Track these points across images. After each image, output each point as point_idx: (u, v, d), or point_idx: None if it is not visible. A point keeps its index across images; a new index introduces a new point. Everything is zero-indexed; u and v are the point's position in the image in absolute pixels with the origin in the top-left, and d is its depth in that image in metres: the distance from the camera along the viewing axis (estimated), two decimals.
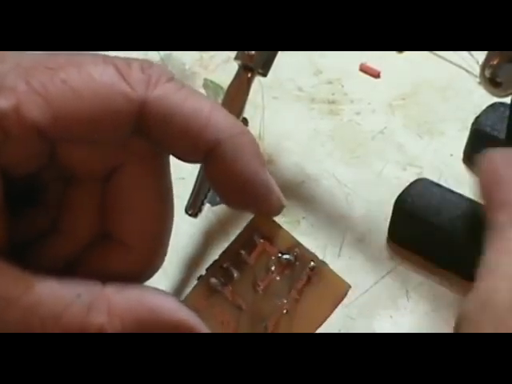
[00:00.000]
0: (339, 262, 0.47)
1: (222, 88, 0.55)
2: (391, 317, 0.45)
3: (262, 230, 0.33)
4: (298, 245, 0.33)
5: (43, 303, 0.29)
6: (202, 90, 0.57)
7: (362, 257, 0.47)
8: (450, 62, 0.60)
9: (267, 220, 0.33)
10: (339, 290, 0.33)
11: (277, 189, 0.33)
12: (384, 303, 0.45)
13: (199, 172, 0.45)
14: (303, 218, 0.49)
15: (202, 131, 0.31)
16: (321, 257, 0.47)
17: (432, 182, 0.48)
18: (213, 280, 0.32)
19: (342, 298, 0.33)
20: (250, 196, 0.32)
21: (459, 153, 0.53)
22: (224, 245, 0.33)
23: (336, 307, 0.32)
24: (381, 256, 0.48)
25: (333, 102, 0.57)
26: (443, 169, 0.53)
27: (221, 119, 0.32)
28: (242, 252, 0.32)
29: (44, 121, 0.29)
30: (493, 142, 0.51)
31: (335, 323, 0.44)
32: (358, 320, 0.44)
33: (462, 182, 0.52)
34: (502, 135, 0.49)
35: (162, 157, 0.33)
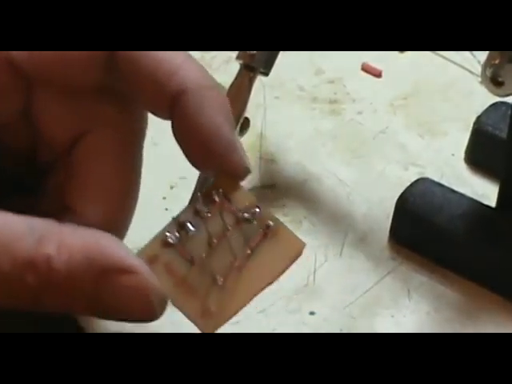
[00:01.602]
0: (340, 261, 0.47)
1: (223, 88, 0.55)
2: (393, 316, 0.45)
3: (223, 189, 0.32)
4: (258, 205, 0.32)
5: None
6: None
7: (363, 256, 0.47)
8: (452, 62, 0.60)
9: (229, 180, 0.32)
10: (293, 249, 0.32)
11: (241, 149, 0.32)
12: (385, 303, 0.45)
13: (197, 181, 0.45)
14: (305, 217, 0.49)
15: (170, 77, 0.31)
16: (322, 256, 0.48)
17: (434, 182, 0.48)
18: (168, 234, 0.32)
19: (296, 257, 0.33)
20: (212, 152, 0.32)
21: (461, 152, 0.53)
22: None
23: (288, 266, 0.32)
24: (382, 255, 0.48)
25: (334, 102, 0.57)
26: (445, 168, 0.53)
27: (192, 70, 0.32)
28: (201, 209, 0.32)
29: (19, 55, 0.29)
30: (494, 141, 0.51)
31: (336, 323, 0.44)
32: (359, 320, 0.44)
33: (464, 182, 0.52)
34: (504, 135, 0.49)
35: (130, 125, 0.33)
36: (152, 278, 0.30)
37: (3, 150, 0.34)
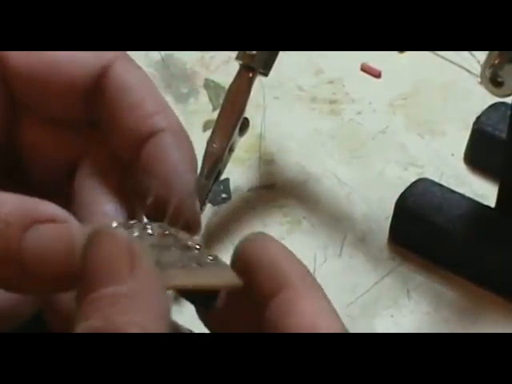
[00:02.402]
0: (340, 261, 0.47)
1: (223, 88, 0.55)
2: (392, 316, 0.45)
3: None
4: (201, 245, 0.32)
5: None
6: (203, 90, 0.57)
7: (362, 256, 0.48)
8: (451, 62, 0.60)
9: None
10: (228, 281, 0.32)
11: (194, 206, 0.32)
12: (385, 303, 0.45)
13: (201, 170, 0.45)
14: (304, 217, 0.49)
15: (144, 121, 0.31)
16: (322, 256, 0.48)
17: (433, 182, 0.48)
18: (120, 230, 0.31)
19: (228, 288, 0.32)
20: (166, 202, 0.31)
21: (460, 153, 0.53)
22: (225, 244, 0.33)
23: (218, 287, 0.31)
24: (382, 256, 0.48)
25: (334, 102, 0.57)
26: (444, 169, 0.53)
27: (167, 116, 0.32)
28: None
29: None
30: (494, 141, 0.51)
31: None
32: (358, 320, 0.44)
33: (463, 182, 0.52)
34: (503, 135, 0.49)
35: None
36: (80, 229, 0.30)
37: None
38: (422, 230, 0.47)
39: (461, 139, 0.53)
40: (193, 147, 0.32)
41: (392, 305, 0.45)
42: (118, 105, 0.32)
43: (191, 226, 0.32)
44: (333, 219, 0.50)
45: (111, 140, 0.33)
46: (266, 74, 0.48)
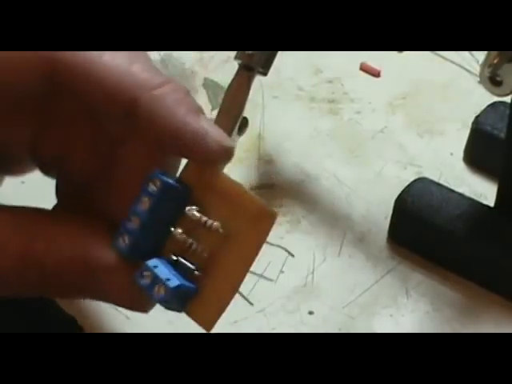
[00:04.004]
0: (339, 261, 0.47)
1: (222, 87, 0.55)
2: (391, 316, 0.45)
3: (204, 179, 0.31)
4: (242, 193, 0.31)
5: None
6: (202, 90, 0.57)
7: (362, 256, 0.47)
8: (451, 62, 0.60)
9: (208, 168, 0.31)
10: (266, 221, 0.31)
11: (216, 132, 0.31)
12: (384, 302, 0.45)
13: None
14: (303, 217, 0.49)
15: (117, 90, 0.31)
16: (321, 256, 0.48)
17: (432, 182, 0.48)
18: None
19: (270, 228, 0.31)
20: (183, 147, 0.31)
21: (459, 152, 0.53)
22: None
23: (264, 239, 0.31)
24: (381, 255, 0.48)
25: (333, 102, 0.57)
26: (443, 168, 0.53)
27: (137, 74, 0.31)
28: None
29: None
30: (493, 141, 0.51)
31: (335, 322, 0.44)
32: (358, 319, 0.44)
33: (463, 181, 0.52)
34: (503, 134, 0.49)
35: None
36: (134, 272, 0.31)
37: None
38: (422, 229, 0.47)
39: (460, 139, 0.53)
40: (176, 87, 0.32)
41: (391, 304, 0.45)
42: (85, 80, 0.31)
43: (215, 155, 0.31)
44: (332, 219, 0.49)
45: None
46: (265, 74, 0.48)
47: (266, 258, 0.47)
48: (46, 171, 0.35)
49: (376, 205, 0.50)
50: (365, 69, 0.59)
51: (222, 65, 0.57)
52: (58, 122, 0.32)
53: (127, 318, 0.43)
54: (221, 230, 0.30)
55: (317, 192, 0.51)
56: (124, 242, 0.31)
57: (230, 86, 0.47)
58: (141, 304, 0.32)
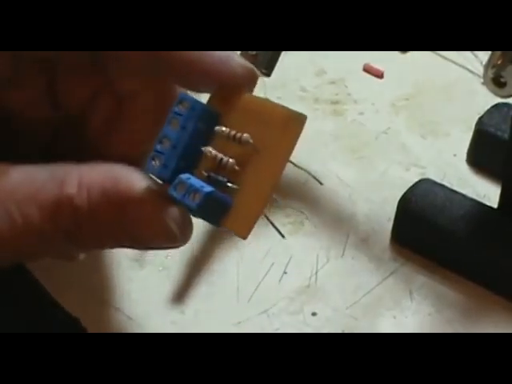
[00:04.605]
0: (342, 262, 0.47)
1: None
2: (395, 317, 0.45)
3: (230, 101, 0.32)
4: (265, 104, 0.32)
5: (19, 186, 0.30)
6: None
7: (365, 257, 0.47)
8: (454, 63, 0.60)
9: (235, 89, 0.32)
10: (296, 124, 0.32)
11: (238, 57, 0.32)
12: (387, 304, 0.45)
13: None
14: (306, 218, 0.49)
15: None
16: (324, 257, 0.48)
17: (435, 183, 0.48)
18: None
19: (300, 130, 0.32)
20: (209, 72, 0.32)
21: (463, 153, 0.53)
22: (228, 244, 0.32)
23: (295, 141, 0.32)
24: (384, 256, 0.48)
25: (336, 103, 0.57)
26: (447, 169, 0.53)
27: None
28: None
29: None
30: (496, 142, 0.51)
31: (338, 324, 0.44)
32: (361, 320, 0.44)
33: (466, 183, 0.52)
34: (506, 135, 0.49)
35: None
36: (166, 203, 0.31)
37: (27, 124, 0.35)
38: (425, 230, 0.47)
39: (463, 140, 0.53)
40: None
41: (394, 306, 0.45)
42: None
43: (242, 75, 0.33)
44: (335, 220, 0.49)
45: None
46: (268, 75, 0.48)
47: (269, 259, 0.47)
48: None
49: (379, 206, 0.50)
50: (368, 70, 0.59)
51: None
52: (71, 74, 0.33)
53: (130, 318, 0.43)
54: (251, 141, 0.31)
55: (320, 193, 0.51)
56: (156, 163, 0.31)
57: None
58: (174, 235, 0.32)
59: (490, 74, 0.43)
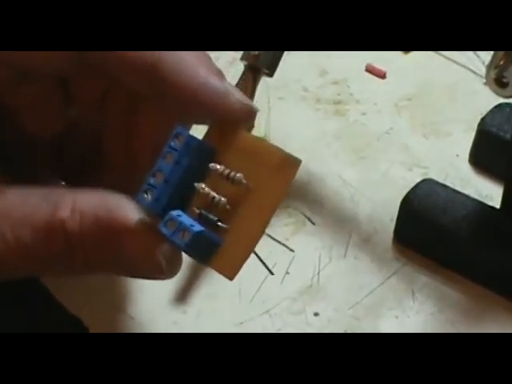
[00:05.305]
0: (345, 262, 0.47)
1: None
2: (397, 317, 0.45)
3: (226, 138, 0.32)
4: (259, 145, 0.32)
5: (14, 208, 0.31)
6: None
7: (367, 257, 0.47)
8: (456, 63, 0.60)
9: (230, 126, 0.32)
10: (289, 170, 0.32)
11: (237, 93, 0.32)
12: (390, 304, 0.45)
13: None
14: (308, 218, 0.49)
15: (140, 53, 0.32)
16: (327, 257, 0.48)
17: (438, 183, 0.48)
18: None
19: (293, 175, 0.32)
20: (206, 105, 0.32)
21: (465, 153, 0.53)
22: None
23: (287, 186, 0.32)
24: (386, 256, 0.48)
25: (338, 103, 0.57)
26: (449, 169, 0.53)
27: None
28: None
29: None
30: (499, 142, 0.50)
31: (340, 324, 0.44)
32: (363, 320, 0.44)
33: (468, 183, 0.52)
34: (508, 136, 0.49)
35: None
36: (157, 237, 0.31)
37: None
38: (427, 230, 0.47)
39: (466, 140, 0.53)
40: (199, 52, 0.33)
41: (397, 306, 0.45)
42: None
43: (238, 113, 0.32)
44: (337, 220, 0.49)
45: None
46: (270, 75, 0.48)
47: (271, 259, 0.47)
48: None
49: (382, 206, 0.50)
50: (370, 70, 0.59)
51: (227, 66, 0.57)
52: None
53: (132, 318, 0.43)
54: (244, 181, 0.31)
55: (322, 193, 0.51)
56: (148, 196, 0.31)
57: (236, 87, 0.47)
58: (162, 271, 0.32)
59: (493, 74, 0.43)
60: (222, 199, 0.31)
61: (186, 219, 0.31)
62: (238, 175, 0.31)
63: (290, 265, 0.47)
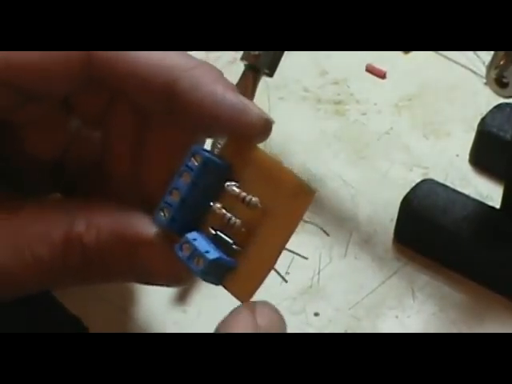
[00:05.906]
0: (345, 262, 0.47)
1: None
2: (397, 317, 0.45)
3: (241, 155, 0.32)
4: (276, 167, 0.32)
5: (31, 225, 0.31)
6: None
7: (367, 257, 0.47)
8: (456, 63, 0.60)
9: (245, 142, 0.32)
10: (304, 199, 0.32)
11: (252, 107, 0.32)
12: (390, 304, 0.45)
13: None
14: (309, 218, 0.49)
15: (155, 71, 0.32)
16: (327, 257, 0.48)
17: (438, 183, 0.48)
18: None
19: (308, 204, 0.32)
20: (220, 120, 0.32)
21: (465, 153, 0.53)
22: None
23: (302, 215, 0.32)
24: (387, 256, 0.48)
25: (339, 103, 0.57)
26: (449, 169, 0.53)
27: (173, 58, 0.32)
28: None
29: None
30: (499, 142, 0.50)
31: (341, 324, 0.44)
32: (363, 320, 0.44)
33: (468, 183, 0.52)
34: (509, 136, 0.49)
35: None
36: (167, 248, 0.32)
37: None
38: (427, 230, 0.47)
39: (466, 140, 0.53)
40: (213, 68, 0.33)
41: (397, 305, 0.45)
42: (118, 66, 0.32)
43: (254, 129, 0.32)
44: (338, 220, 0.49)
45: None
46: (270, 75, 0.48)
47: None
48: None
49: (382, 206, 0.50)
50: (370, 70, 0.59)
51: (228, 66, 0.57)
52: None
53: (132, 317, 0.43)
54: (259, 206, 0.31)
55: (322, 193, 0.51)
56: (164, 215, 0.31)
57: (236, 87, 0.47)
58: (181, 277, 0.33)
59: (493, 74, 0.43)
60: (237, 221, 0.31)
61: (201, 243, 0.31)
62: (254, 199, 0.31)
63: (290, 265, 0.47)
